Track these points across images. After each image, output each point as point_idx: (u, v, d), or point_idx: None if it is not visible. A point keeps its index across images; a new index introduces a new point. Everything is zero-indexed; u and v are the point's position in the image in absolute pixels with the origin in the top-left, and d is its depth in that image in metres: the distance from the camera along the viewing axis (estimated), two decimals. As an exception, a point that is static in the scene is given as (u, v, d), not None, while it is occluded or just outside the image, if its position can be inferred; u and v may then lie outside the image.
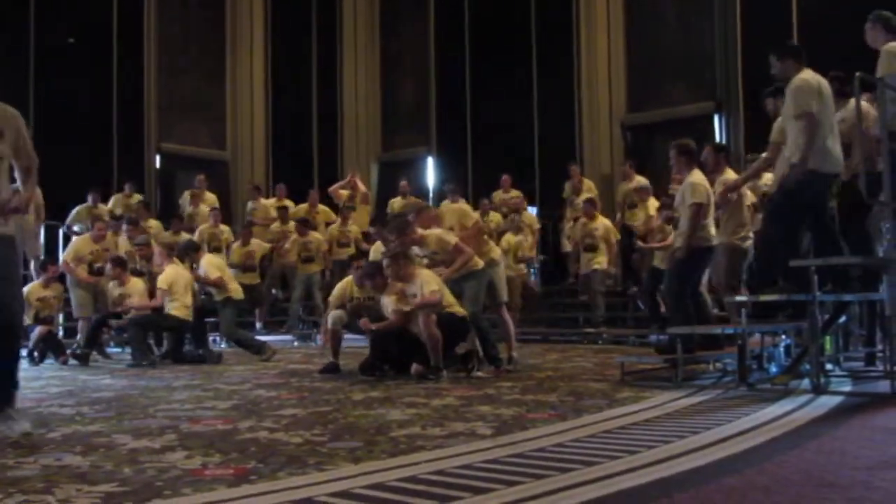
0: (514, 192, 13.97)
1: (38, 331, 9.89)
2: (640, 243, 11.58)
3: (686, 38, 14.95)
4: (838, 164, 6.14)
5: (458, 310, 7.20)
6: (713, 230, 7.10)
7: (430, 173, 17.84)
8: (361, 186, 14.70)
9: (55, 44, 14.96)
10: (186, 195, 14.21)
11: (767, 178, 7.87)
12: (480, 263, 7.52)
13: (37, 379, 7.76)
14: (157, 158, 16.25)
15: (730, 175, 7.57)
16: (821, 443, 3.92)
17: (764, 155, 7.31)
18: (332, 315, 7.82)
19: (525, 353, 9.34)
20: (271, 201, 14.85)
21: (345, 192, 14.35)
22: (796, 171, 6.01)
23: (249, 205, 14.49)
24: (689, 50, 14.90)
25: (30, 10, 14.70)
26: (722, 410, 4.93)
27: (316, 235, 13.50)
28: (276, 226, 13.96)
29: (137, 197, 13.74)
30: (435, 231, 7.62)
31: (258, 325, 13.36)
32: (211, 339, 12.27)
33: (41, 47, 14.76)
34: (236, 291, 9.99)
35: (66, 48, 15.23)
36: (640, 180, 12.83)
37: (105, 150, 15.32)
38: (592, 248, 12.00)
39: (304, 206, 14.52)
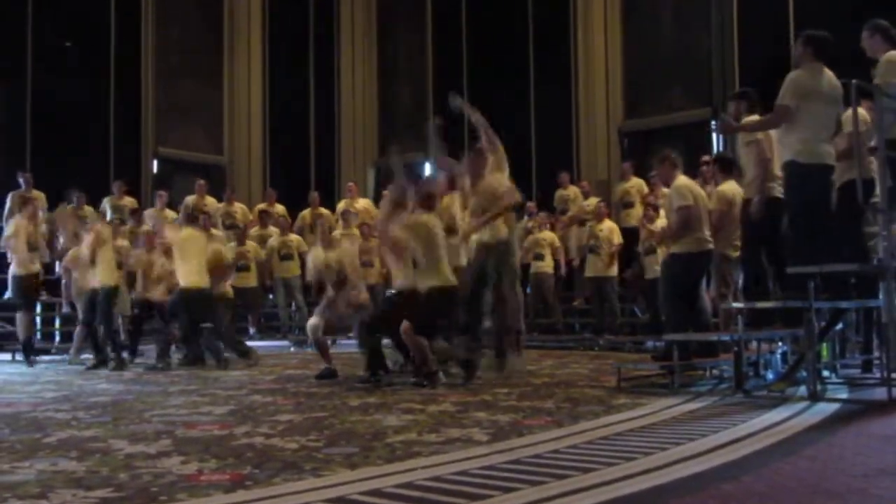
0: None
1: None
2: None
3: (683, 45, 14.98)
4: (828, 157, 6.17)
5: (448, 280, 7.08)
6: (706, 235, 7.07)
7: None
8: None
9: (53, 47, 14.96)
10: (188, 201, 14.15)
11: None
12: (504, 231, 7.56)
13: (32, 384, 7.74)
14: (155, 163, 16.23)
15: (725, 186, 7.56)
16: (817, 450, 3.92)
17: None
18: (310, 325, 7.83)
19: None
20: (263, 205, 14.81)
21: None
22: (788, 169, 6.10)
23: (223, 207, 14.35)
24: (686, 56, 14.92)
25: (27, 13, 14.70)
26: (718, 417, 4.93)
27: (295, 237, 13.51)
28: (255, 230, 13.91)
29: (130, 200, 13.66)
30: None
31: (251, 330, 13.35)
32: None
33: (39, 50, 14.75)
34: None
35: (64, 51, 15.22)
36: (638, 182, 12.86)
37: (102, 154, 15.31)
38: (594, 250, 12.03)
39: (307, 210, 14.51)
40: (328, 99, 18.71)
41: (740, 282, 7.70)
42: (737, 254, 7.49)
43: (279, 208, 14.56)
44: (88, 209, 12.88)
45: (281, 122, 18.06)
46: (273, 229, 13.74)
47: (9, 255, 10.60)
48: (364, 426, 4.70)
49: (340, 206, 14.66)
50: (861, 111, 6.24)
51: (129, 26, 15.95)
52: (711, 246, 7.09)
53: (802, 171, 6.08)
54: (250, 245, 12.89)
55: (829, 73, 6.21)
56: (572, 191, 13.99)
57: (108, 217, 12.90)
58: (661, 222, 10.06)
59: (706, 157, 10.23)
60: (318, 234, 9.80)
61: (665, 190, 9.65)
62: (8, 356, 11.20)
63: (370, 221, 13.96)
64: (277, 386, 7.15)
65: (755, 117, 6.73)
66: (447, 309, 7.14)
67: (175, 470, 3.53)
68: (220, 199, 14.55)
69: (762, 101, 6.87)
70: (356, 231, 13.32)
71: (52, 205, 12.72)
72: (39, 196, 12.56)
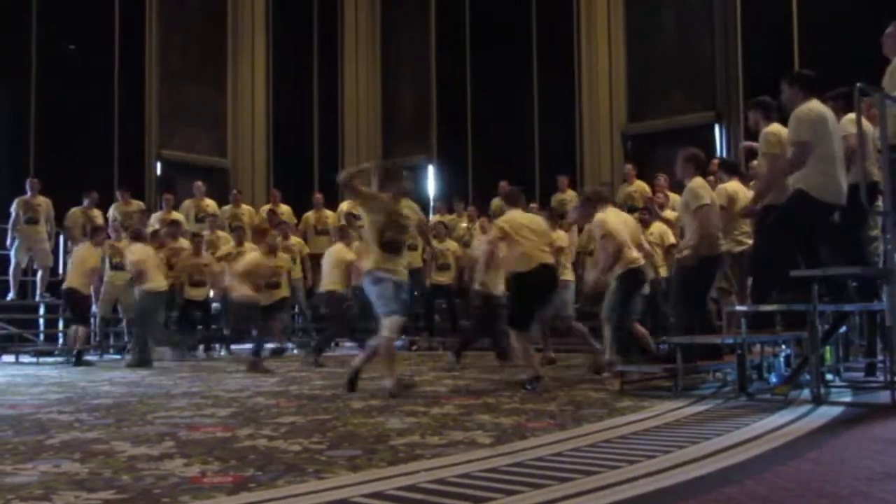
0: None
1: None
2: None
3: (686, 48, 14.98)
4: (840, 196, 6.13)
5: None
6: (718, 240, 7.00)
7: (431, 181, 17.86)
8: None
9: (57, 51, 14.99)
10: (188, 204, 14.14)
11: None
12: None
13: (36, 385, 7.75)
14: (158, 165, 16.25)
15: (732, 185, 7.55)
16: (820, 453, 3.92)
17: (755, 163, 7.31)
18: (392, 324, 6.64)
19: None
20: (269, 206, 14.78)
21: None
22: (795, 195, 6.08)
23: (229, 209, 14.32)
24: (689, 59, 14.92)
25: (32, 17, 14.72)
26: (721, 420, 4.93)
27: (297, 240, 13.48)
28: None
29: (138, 204, 13.70)
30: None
31: (253, 332, 13.30)
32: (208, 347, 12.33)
33: (43, 54, 14.77)
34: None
35: (68, 55, 15.25)
36: (640, 185, 12.81)
37: (106, 157, 15.32)
38: (592, 253, 11.98)
39: (311, 212, 14.45)
40: (331, 100, 18.73)
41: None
42: (739, 248, 7.47)
43: (284, 208, 14.54)
44: (97, 211, 12.96)
45: (284, 125, 18.08)
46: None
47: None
48: (367, 429, 4.70)
49: (343, 207, 14.64)
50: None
51: (132, 29, 15.96)
52: (724, 248, 7.03)
53: (810, 204, 6.05)
54: (248, 247, 12.82)
55: (820, 105, 6.21)
56: (570, 195, 13.95)
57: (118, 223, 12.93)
58: (668, 213, 10.11)
59: (716, 160, 10.19)
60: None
61: (670, 193, 9.65)
62: (11, 358, 11.23)
63: None
64: (280, 388, 7.15)
65: (775, 126, 6.68)
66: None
67: (178, 472, 3.53)
68: (223, 202, 14.55)
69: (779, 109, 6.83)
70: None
71: (58, 210, 12.72)
72: (45, 202, 12.59)
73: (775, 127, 6.62)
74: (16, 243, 12.37)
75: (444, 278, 12.88)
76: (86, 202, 12.94)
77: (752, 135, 7.25)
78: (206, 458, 3.84)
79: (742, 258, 7.57)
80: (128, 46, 15.90)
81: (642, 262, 7.86)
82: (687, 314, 6.96)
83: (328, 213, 14.49)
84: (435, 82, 17.92)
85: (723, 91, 14.34)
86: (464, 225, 13.73)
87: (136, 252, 10.49)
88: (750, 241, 7.52)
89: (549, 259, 7.30)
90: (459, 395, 6.45)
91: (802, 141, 6.02)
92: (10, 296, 12.34)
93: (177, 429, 4.76)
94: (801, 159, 6.06)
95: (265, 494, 3.13)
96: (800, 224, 6.12)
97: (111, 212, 13.34)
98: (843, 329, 6.79)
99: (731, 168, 7.99)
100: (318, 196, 14.76)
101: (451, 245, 13.04)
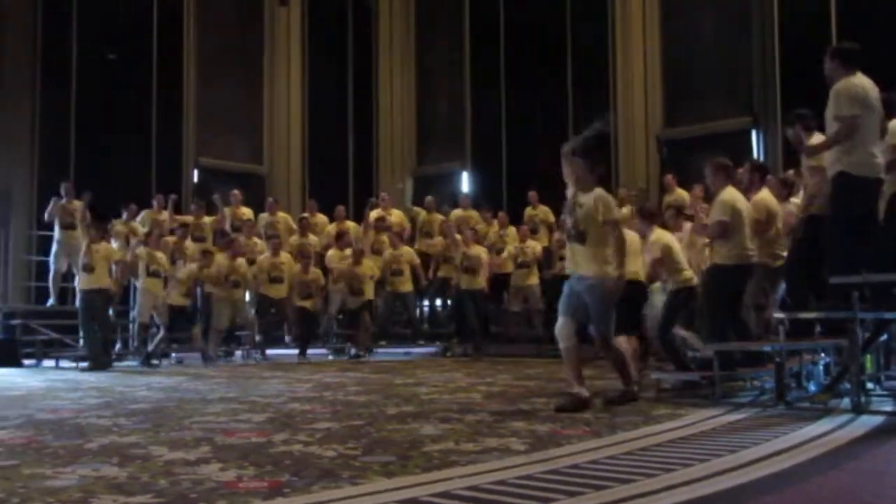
0: (542, 208, 13.90)
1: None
2: None
3: (723, 53, 14.87)
4: (880, 170, 6.10)
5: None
6: (749, 250, 6.90)
7: (465, 188, 17.85)
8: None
9: (96, 59, 15.23)
10: (226, 212, 14.19)
11: (795, 201, 7.79)
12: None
13: (75, 390, 7.85)
14: (195, 173, 16.42)
15: (764, 195, 7.44)
16: (860, 463, 3.86)
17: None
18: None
19: (556, 370, 9.28)
20: (305, 214, 14.82)
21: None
22: (838, 181, 6.00)
23: (266, 217, 14.37)
24: (726, 64, 14.81)
25: (72, 26, 14.98)
26: (760, 429, 4.87)
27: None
28: (294, 238, 13.91)
29: (171, 215, 13.79)
30: None
31: (287, 338, 13.40)
32: (241, 351, 12.41)
33: (83, 63, 15.02)
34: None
35: (107, 64, 15.48)
36: (682, 193, 12.65)
37: (143, 165, 15.52)
38: None
39: (332, 224, 14.43)
40: (366, 109, 18.84)
41: (780, 293, 7.58)
42: (777, 263, 7.37)
43: (321, 218, 14.60)
44: (166, 214, 13.16)
45: (320, 132, 18.20)
46: (313, 238, 13.81)
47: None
48: (401, 435, 4.70)
49: (372, 216, 14.67)
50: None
51: (170, 39, 16.19)
52: (755, 259, 6.94)
53: (854, 184, 5.99)
54: (284, 257, 12.90)
55: (867, 80, 6.14)
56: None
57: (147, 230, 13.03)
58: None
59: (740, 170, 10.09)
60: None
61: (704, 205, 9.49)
62: (52, 363, 11.39)
63: (401, 231, 14.02)
64: (315, 394, 7.18)
65: (818, 136, 6.62)
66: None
67: (214, 477, 3.56)
68: (260, 209, 14.64)
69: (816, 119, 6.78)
70: (386, 239, 13.40)
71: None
72: (80, 206, 12.67)
73: (818, 137, 6.59)
74: (54, 249, 12.50)
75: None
76: (125, 215, 13.07)
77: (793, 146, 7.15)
78: (242, 463, 3.87)
79: (779, 273, 7.47)
80: (166, 55, 16.13)
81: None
82: (719, 324, 6.87)
83: (350, 224, 14.49)
84: (469, 89, 17.94)
85: (760, 95, 14.20)
86: (495, 231, 13.66)
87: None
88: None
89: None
90: (493, 401, 6.43)
91: (845, 115, 5.98)
92: (51, 302, 12.52)
93: (213, 434, 4.79)
94: (848, 133, 5.98)
95: (300, 500, 3.14)
96: (857, 207, 6.05)
97: (141, 216, 13.39)
98: (884, 337, 6.68)
99: (762, 171, 7.87)
100: (340, 209, 14.75)
101: (480, 250, 12.92)
